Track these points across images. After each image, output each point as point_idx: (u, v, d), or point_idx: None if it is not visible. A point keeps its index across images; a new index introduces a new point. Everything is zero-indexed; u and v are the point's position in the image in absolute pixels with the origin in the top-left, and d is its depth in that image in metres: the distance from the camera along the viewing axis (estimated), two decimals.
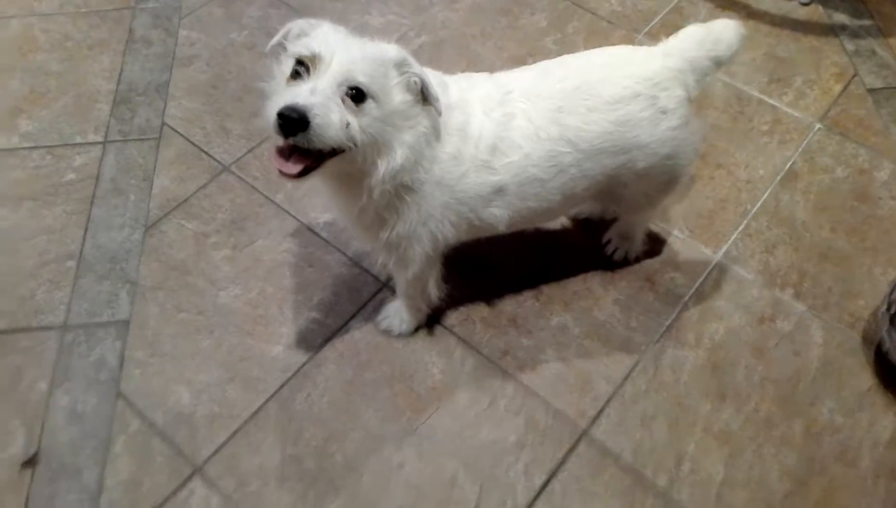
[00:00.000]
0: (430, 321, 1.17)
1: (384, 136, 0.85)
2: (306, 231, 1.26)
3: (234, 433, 1.06)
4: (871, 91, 1.48)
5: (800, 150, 1.38)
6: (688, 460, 1.05)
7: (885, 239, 1.27)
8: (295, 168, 0.81)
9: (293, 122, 0.77)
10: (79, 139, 1.39)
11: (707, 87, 1.44)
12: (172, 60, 1.51)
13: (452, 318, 1.18)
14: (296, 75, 0.82)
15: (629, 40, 1.56)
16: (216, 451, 1.04)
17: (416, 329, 1.15)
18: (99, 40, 1.55)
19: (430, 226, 0.96)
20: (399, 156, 0.87)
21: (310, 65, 0.81)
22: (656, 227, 1.28)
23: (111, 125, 1.40)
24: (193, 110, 1.43)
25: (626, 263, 1.24)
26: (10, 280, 1.20)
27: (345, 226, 1.15)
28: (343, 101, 0.81)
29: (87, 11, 1.60)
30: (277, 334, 1.15)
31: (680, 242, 1.27)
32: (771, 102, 1.46)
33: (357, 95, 0.81)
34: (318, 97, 0.79)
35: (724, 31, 0.99)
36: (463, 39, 1.56)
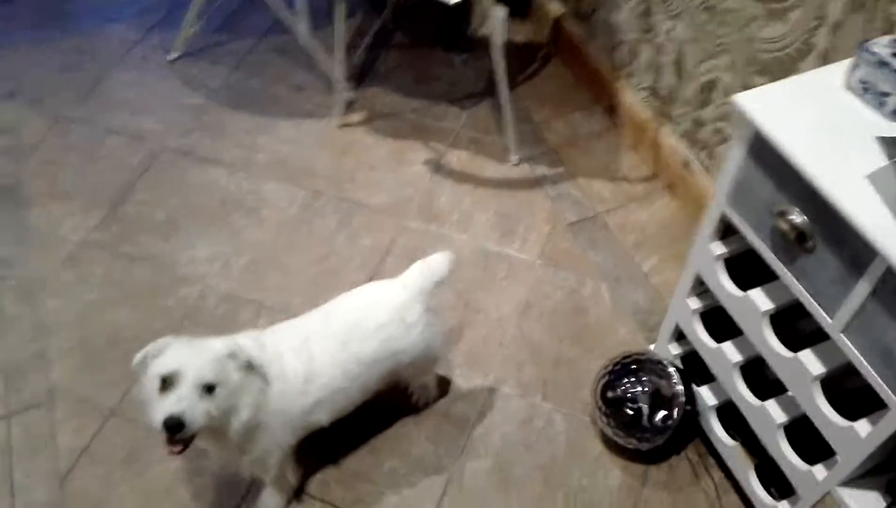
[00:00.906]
0: (297, 493, 1.59)
1: (232, 404, 1.28)
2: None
3: None
4: (570, 225, 2.09)
5: (529, 285, 1.95)
6: None
7: (597, 340, 1.85)
8: (179, 448, 1.22)
9: (174, 427, 1.18)
10: None
11: (458, 251, 2.00)
12: (43, 329, 1.85)
13: (312, 485, 1.61)
14: (163, 387, 1.23)
15: (399, 225, 2.08)
16: None
17: (288, 503, 1.57)
18: None
19: (276, 442, 1.41)
20: (244, 413, 1.30)
21: (172, 377, 1.23)
22: (444, 372, 1.78)
23: (7, 399, 1.72)
24: (73, 369, 1.77)
25: (427, 405, 1.74)
26: None
27: (218, 458, 1.55)
28: (200, 396, 1.23)
29: None
30: None
31: (461, 378, 1.78)
32: (503, 251, 2.02)
33: (209, 388, 1.24)
34: (185, 402, 1.20)
35: (438, 262, 1.51)
36: (274, 254, 2.02)
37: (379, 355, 1.46)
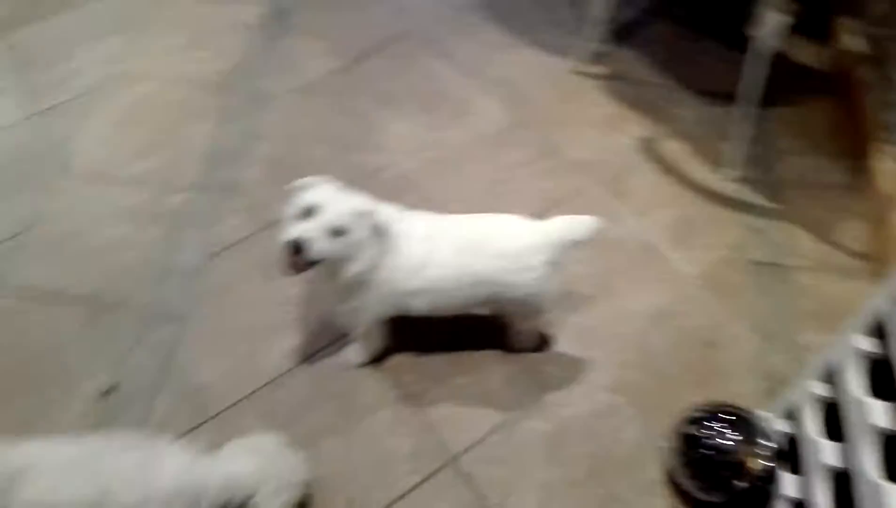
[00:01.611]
0: (377, 359, 1.73)
1: (350, 253, 1.42)
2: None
3: (249, 394, 1.68)
4: (752, 262, 1.94)
5: (674, 296, 1.87)
6: (514, 495, 1.57)
7: (713, 379, 1.74)
8: (295, 270, 1.40)
9: (294, 248, 1.35)
10: (176, 186, 2.03)
11: (625, 233, 1.97)
12: (254, 134, 2.13)
13: (392, 361, 1.74)
14: (302, 215, 1.39)
15: (583, 184, 2.07)
16: (234, 404, 1.67)
17: (367, 363, 1.72)
18: (203, 108, 2.19)
19: (373, 305, 1.55)
20: (357, 266, 1.44)
21: (312, 211, 1.39)
22: (550, 332, 1.79)
23: (204, 175, 2.03)
24: (259, 175, 2.04)
25: (520, 351, 1.77)
26: (133, 275, 1.85)
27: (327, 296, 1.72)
28: (327, 234, 1.38)
29: (200, 83, 2.25)
30: (280, 345, 1.75)
31: (564, 346, 1.78)
32: (668, 254, 1.95)
33: (337, 232, 1.38)
34: (312, 233, 1.36)
35: (583, 223, 1.51)
36: (459, 162, 2.12)
37: (485, 278, 1.51)
